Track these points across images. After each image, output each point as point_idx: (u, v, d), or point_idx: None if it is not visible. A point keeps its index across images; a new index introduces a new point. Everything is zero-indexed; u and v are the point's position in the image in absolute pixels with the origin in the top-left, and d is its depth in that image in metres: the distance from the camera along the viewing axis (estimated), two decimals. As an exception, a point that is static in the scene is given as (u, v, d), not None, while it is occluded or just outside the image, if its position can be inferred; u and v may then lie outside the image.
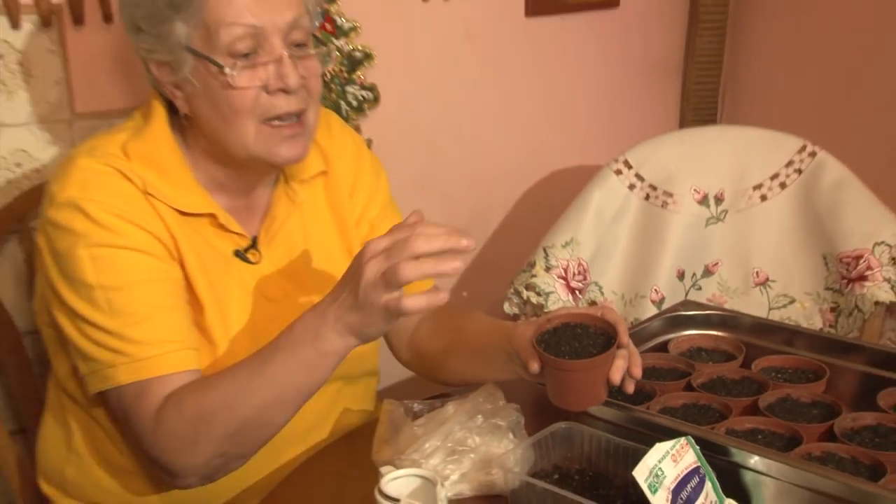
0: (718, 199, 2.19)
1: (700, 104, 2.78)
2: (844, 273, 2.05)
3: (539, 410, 1.32)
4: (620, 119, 2.69)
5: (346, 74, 2.11)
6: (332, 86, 2.08)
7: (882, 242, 2.02)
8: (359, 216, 1.56)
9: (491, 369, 1.41)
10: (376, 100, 2.16)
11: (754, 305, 2.12)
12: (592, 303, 2.14)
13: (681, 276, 2.17)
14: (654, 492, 1.05)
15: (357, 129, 2.09)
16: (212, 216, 1.39)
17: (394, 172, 1.67)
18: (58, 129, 1.78)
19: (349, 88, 2.12)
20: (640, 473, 1.05)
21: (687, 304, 1.74)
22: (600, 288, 2.15)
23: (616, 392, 1.29)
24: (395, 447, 1.28)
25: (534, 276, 2.09)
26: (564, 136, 2.60)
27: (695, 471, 1.10)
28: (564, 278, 2.10)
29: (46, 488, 1.54)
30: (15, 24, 1.70)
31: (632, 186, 2.18)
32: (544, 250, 2.12)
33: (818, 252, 2.11)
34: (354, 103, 2.12)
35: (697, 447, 1.12)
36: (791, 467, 1.16)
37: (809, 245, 2.12)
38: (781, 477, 1.16)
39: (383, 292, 1.16)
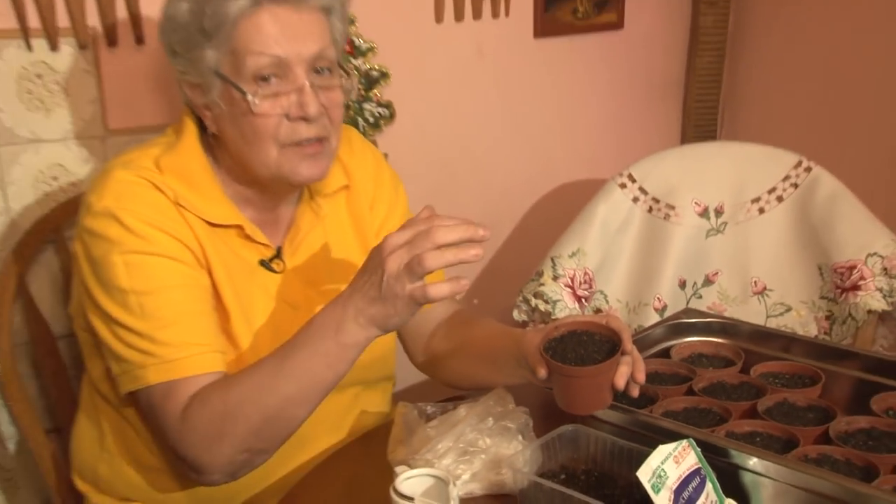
0: (718, 212, 2.18)
1: (700, 121, 2.78)
2: (838, 283, 2.05)
3: (547, 413, 1.31)
4: (625, 135, 2.69)
5: (363, 92, 2.11)
6: (351, 103, 2.09)
7: (874, 254, 2.02)
8: (378, 227, 1.56)
9: (501, 374, 1.41)
10: (392, 116, 2.16)
11: (753, 313, 2.11)
12: (598, 310, 2.14)
13: (682, 285, 2.16)
14: (657, 492, 1.04)
15: (374, 143, 2.09)
16: (239, 227, 1.40)
17: (408, 185, 1.67)
18: (92, 145, 1.79)
19: (366, 105, 2.12)
20: (644, 474, 1.05)
21: (688, 311, 1.74)
22: (605, 296, 2.15)
23: (621, 396, 1.28)
24: (409, 448, 1.28)
25: (542, 284, 2.09)
26: (571, 151, 2.60)
27: (696, 472, 1.10)
28: (571, 287, 2.10)
29: (80, 484, 1.55)
30: (53, 47, 1.71)
31: (636, 199, 2.18)
32: (552, 260, 2.12)
33: (813, 262, 2.10)
34: (371, 119, 2.13)
35: (699, 449, 1.12)
36: (788, 469, 1.16)
37: (805, 256, 2.12)
38: (779, 478, 1.16)
39: (407, 282, 1.16)
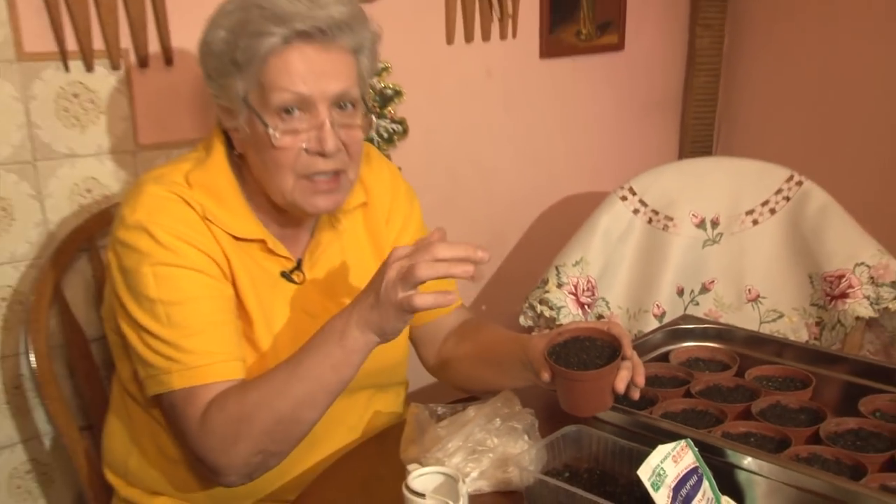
0: (714, 223, 2.18)
1: (697, 137, 2.78)
2: (828, 291, 2.04)
3: (551, 415, 1.31)
4: (625, 150, 2.69)
5: (378, 109, 2.11)
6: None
7: (862, 263, 2.01)
8: (394, 240, 1.55)
9: (508, 377, 1.41)
10: (405, 132, 2.17)
11: (747, 320, 2.11)
12: (600, 316, 2.13)
13: (680, 292, 2.16)
14: (657, 489, 1.04)
15: (388, 157, 2.09)
16: (262, 241, 1.40)
17: (421, 196, 1.67)
18: (123, 159, 1.80)
19: (381, 122, 2.13)
20: (644, 472, 1.05)
21: (686, 318, 1.74)
22: (607, 303, 2.15)
23: (622, 398, 1.28)
24: (420, 447, 1.28)
25: (547, 291, 2.09)
26: (574, 165, 2.60)
27: (693, 470, 1.09)
28: (575, 294, 2.09)
29: (111, 478, 1.55)
30: (89, 68, 1.72)
31: (636, 211, 2.18)
32: (556, 268, 2.12)
33: (804, 271, 2.10)
34: (385, 135, 2.13)
35: (696, 449, 1.11)
36: (781, 467, 1.15)
37: (796, 265, 2.11)
38: (772, 476, 1.15)
39: (400, 291, 1.17)
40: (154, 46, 1.78)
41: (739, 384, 1.46)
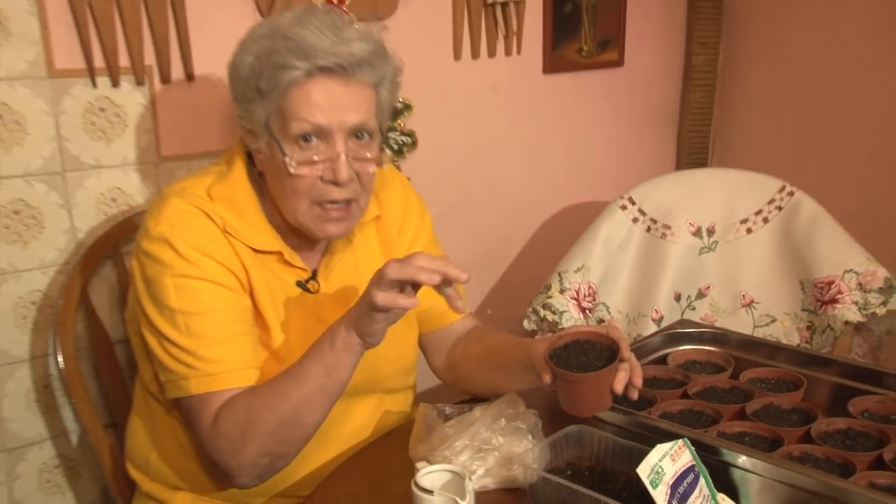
0: (710, 232, 2.17)
1: (693, 149, 2.78)
2: (818, 296, 2.04)
3: (554, 415, 1.31)
4: (625, 161, 2.68)
5: (388, 123, 2.11)
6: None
7: (851, 270, 2.01)
8: (405, 251, 1.55)
9: (512, 380, 1.41)
10: (414, 144, 2.16)
11: (741, 324, 2.10)
12: (601, 321, 2.13)
13: (677, 298, 2.15)
14: (655, 487, 1.04)
15: (398, 168, 2.09)
16: (279, 253, 1.40)
17: (429, 206, 1.67)
18: (146, 170, 1.80)
19: (391, 135, 2.12)
20: (643, 470, 1.04)
21: (683, 322, 1.73)
22: (607, 308, 2.14)
23: (621, 399, 1.28)
24: (428, 445, 1.28)
25: (550, 297, 2.08)
26: (576, 176, 2.59)
27: (690, 468, 1.09)
28: (576, 299, 2.09)
29: (133, 473, 1.55)
30: (115, 83, 1.72)
31: (635, 220, 2.17)
32: (559, 275, 2.12)
33: (796, 278, 2.09)
34: (395, 147, 2.13)
35: (693, 448, 1.11)
36: (774, 466, 1.15)
37: (788, 272, 2.10)
38: (765, 474, 1.15)
39: (375, 291, 1.17)
40: (176, 63, 1.79)
41: (734, 386, 1.46)
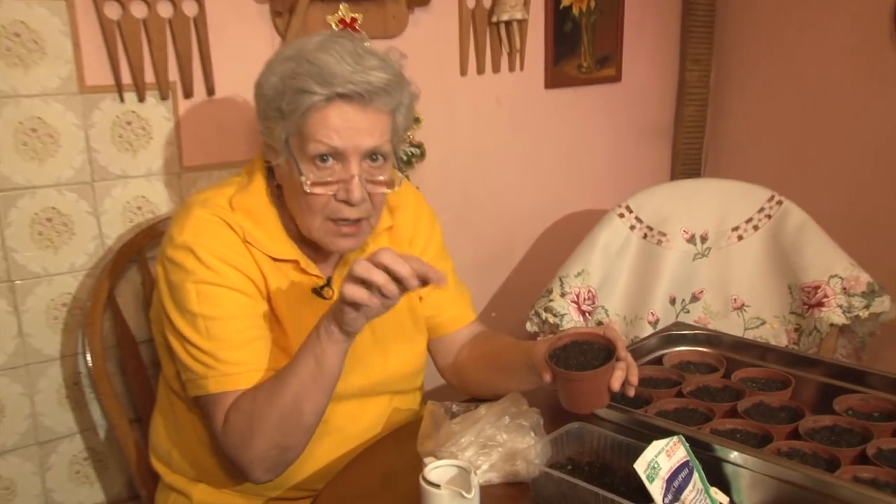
0: (703, 239, 2.17)
1: (687, 160, 2.77)
2: (805, 300, 2.03)
3: (555, 413, 1.30)
4: (622, 172, 2.68)
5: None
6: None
7: (836, 275, 2.00)
8: (416, 260, 1.55)
9: (515, 382, 1.40)
10: (423, 155, 2.16)
11: (733, 326, 2.09)
12: (599, 323, 2.12)
13: (672, 301, 2.15)
14: (652, 481, 1.04)
15: (407, 178, 2.09)
16: (296, 262, 1.40)
17: (436, 214, 1.67)
18: (170, 180, 1.81)
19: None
20: (640, 466, 1.04)
21: (678, 325, 1.73)
22: (606, 311, 2.14)
23: (619, 397, 1.28)
24: (436, 441, 1.28)
25: (551, 300, 2.08)
26: (576, 185, 2.59)
27: (685, 464, 1.09)
28: (577, 303, 2.09)
29: (157, 465, 1.56)
30: (141, 98, 1.73)
31: (632, 227, 2.17)
32: (560, 279, 2.11)
33: (784, 282, 2.09)
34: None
35: (687, 444, 1.11)
36: (763, 461, 1.15)
37: (777, 277, 2.10)
38: (756, 469, 1.15)
39: (343, 285, 1.17)
40: (198, 79, 1.79)
41: (726, 385, 1.46)
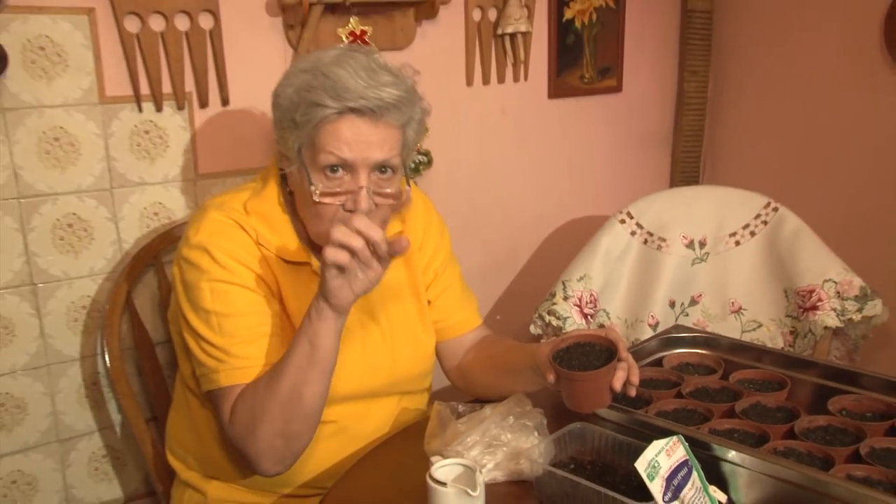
0: (702, 244, 2.17)
1: (686, 168, 2.77)
2: (800, 304, 2.02)
3: (558, 413, 1.30)
4: (623, 179, 2.68)
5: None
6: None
7: (830, 280, 2.00)
8: (425, 265, 1.55)
9: (520, 383, 1.40)
10: (430, 163, 2.17)
11: (730, 329, 2.09)
12: (601, 326, 2.12)
13: (672, 305, 2.14)
14: (652, 480, 1.03)
15: (415, 184, 2.10)
16: (307, 264, 1.40)
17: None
18: (185, 187, 1.81)
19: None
20: (641, 465, 1.04)
21: (677, 327, 1.73)
22: (608, 314, 2.14)
23: (620, 397, 1.28)
24: (442, 440, 1.27)
25: (554, 304, 2.08)
26: (579, 193, 2.59)
27: (684, 463, 1.09)
28: (579, 306, 2.08)
29: (173, 462, 1.56)
30: (158, 108, 1.74)
31: (633, 233, 2.17)
32: (563, 283, 2.11)
33: (780, 287, 2.08)
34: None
35: (686, 444, 1.11)
36: (760, 460, 1.15)
37: (773, 281, 2.09)
38: (753, 468, 1.15)
39: (324, 249, 1.17)
40: (213, 90, 1.80)
41: (724, 386, 1.45)
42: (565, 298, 2.08)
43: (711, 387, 1.45)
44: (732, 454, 1.17)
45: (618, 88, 2.57)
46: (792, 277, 2.05)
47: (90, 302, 1.74)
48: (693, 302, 2.15)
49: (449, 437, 1.27)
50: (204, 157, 1.82)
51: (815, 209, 2.30)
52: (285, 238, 1.38)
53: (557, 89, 2.42)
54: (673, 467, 1.06)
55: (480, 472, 1.12)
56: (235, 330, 1.30)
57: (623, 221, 2.17)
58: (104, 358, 1.69)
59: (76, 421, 1.78)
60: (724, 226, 2.16)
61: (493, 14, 2.21)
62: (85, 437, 1.80)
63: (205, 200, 1.49)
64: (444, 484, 1.09)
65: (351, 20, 1.92)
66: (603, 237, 2.15)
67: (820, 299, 1.99)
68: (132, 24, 1.67)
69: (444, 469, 1.13)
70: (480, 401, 1.42)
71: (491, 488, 1.20)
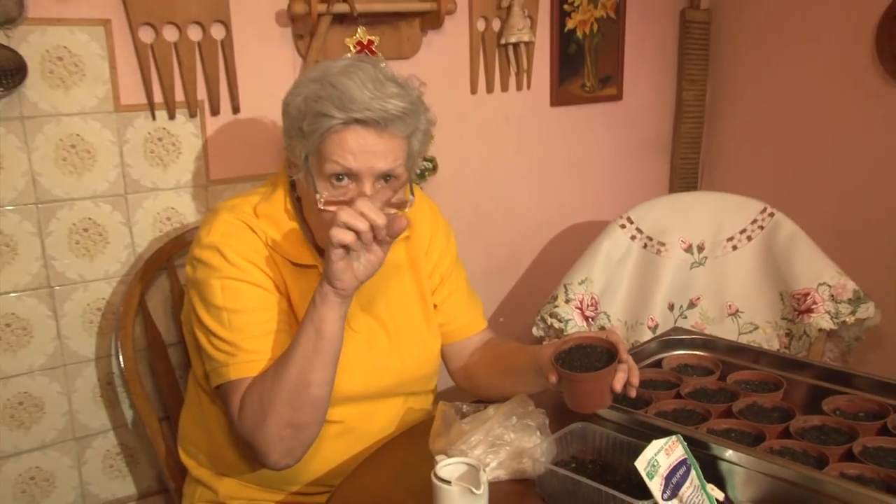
0: (700, 248, 2.17)
1: (685, 174, 2.76)
2: (795, 306, 2.02)
3: (560, 414, 1.30)
4: (624, 185, 2.68)
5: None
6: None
7: (824, 283, 2.00)
8: (431, 270, 1.55)
9: (523, 384, 1.40)
10: (435, 169, 2.17)
11: (727, 331, 2.09)
12: (602, 328, 2.12)
13: (671, 307, 2.14)
14: (651, 478, 1.04)
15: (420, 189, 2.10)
16: (315, 267, 1.40)
17: (449, 225, 1.67)
18: (197, 192, 1.82)
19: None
20: (640, 464, 1.04)
21: (676, 330, 1.72)
22: (608, 316, 2.14)
23: (621, 398, 1.28)
24: (447, 440, 1.27)
25: (556, 306, 2.08)
26: (580, 198, 2.59)
27: (683, 462, 1.09)
28: (580, 309, 2.08)
29: (185, 459, 1.56)
30: (171, 116, 1.74)
31: (633, 237, 2.17)
32: (564, 286, 2.11)
33: (776, 290, 2.08)
34: (418, 171, 2.13)
35: (685, 443, 1.11)
36: (757, 459, 1.15)
37: (769, 284, 2.09)
38: (750, 466, 1.15)
39: (333, 228, 1.18)
40: (224, 98, 1.80)
41: (722, 387, 1.45)
42: (567, 301, 2.08)
43: (709, 388, 1.45)
44: (730, 453, 1.17)
45: (618, 97, 2.57)
46: (787, 281, 2.05)
47: (105, 304, 1.75)
48: (691, 305, 2.15)
49: (453, 436, 1.27)
50: (215, 163, 1.83)
51: (809, 214, 2.30)
52: (293, 241, 1.39)
53: (559, 97, 2.42)
54: (672, 466, 1.07)
55: (484, 470, 1.12)
56: (245, 326, 1.31)
57: (623, 226, 2.17)
58: (118, 358, 1.69)
59: (91, 420, 1.79)
60: (721, 230, 2.16)
61: (496, 24, 2.21)
62: (100, 436, 1.80)
63: (216, 204, 1.49)
64: (448, 482, 1.09)
65: (358, 30, 1.92)
66: (604, 241, 2.16)
67: (815, 302, 1.99)
68: (146, 35, 1.68)
69: (448, 468, 1.13)
70: (484, 401, 1.42)
71: (494, 486, 1.20)
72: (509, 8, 2.16)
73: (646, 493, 1.03)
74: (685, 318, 2.14)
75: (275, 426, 1.25)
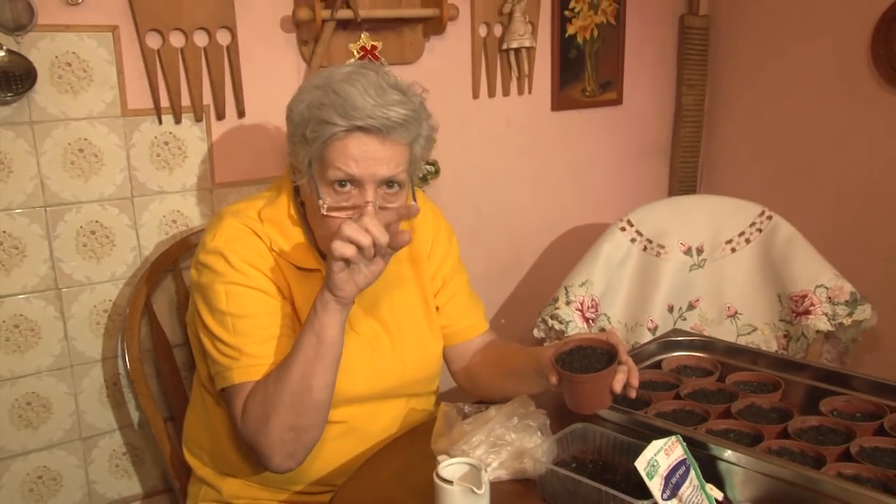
0: (699, 251, 2.16)
1: (684, 178, 2.76)
2: (793, 308, 2.02)
3: (561, 414, 1.30)
4: (623, 188, 2.68)
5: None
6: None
7: (821, 285, 2.00)
8: (434, 272, 1.54)
9: (524, 385, 1.40)
10: (437, 172, 2.17)
11: (726, 333, 2.08)
12: (602, 330, 2.12)
13: (670, 309, 2.14)
14: (651, 478, 1.03)
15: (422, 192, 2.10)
16: (318, 271, 1.40)
17: (451, 228, 1.67)
18: (202, 195, 1.82)
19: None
20: (640, 464, 1.04)
21: (675, 331, 1.72)
22: (608, 318, 2.13)
23: (620, 399, 1.27)
24: (449, 440, 1.27)
25: (557, 308, 2.08)
26: (581, 201, 2.59)
27: (682, 462, 1.08)
28: (581, 310, 2.08)
29: (190, 459, 1.56)
30: (177, 121, 1.75)
31: (633, 240, 2.17)
32: (565, 288, 2.11)
33: (774, 292, 2.08)
34: (420, 175, 2.12)
35: (684, 443, 1.10)
36: (755, 459, 1.15)
37: (767, 286, 2.09)
38: (748, 466, 1.15)
39: (332, 242, 1.18)
40: (230, 103, 1.81)
41: (721, 388, 1.45)
42: (568, 303, 2.08)
43: (708, 388, 1.45)
44: (728, 453, 1.16)
45: (618, 101, 2.57)
46: (785, 283, 2.05)
47: (111, 306, 1.75)
48: (691, 307, 2.15)
49: (455, 436, 1.27)
50: (220, 167, 1.83)
51: (807, 217, 2.30)
52: (297, 246, 1.39)
53: (560, 102, 2.42)
54: (671, 466, 1.06)
55: (485, 470, 1.12)
56: (249, 330, 1.31)
57: (623, 229, 2.17)
58: (124, 359, 1.69)
59: (98, 420, 1.79)
60: (720, 233, 2.16)
61: (498, 30, 2.21)
62: (106, 436, 1.80)
63: (221, 208, 1.49)
64: (450, 482, 1.09)
65: (362, 36, 1.92)
66: (604, 244, 2.15)
67: (812, 304, 1.99)
68: (153, 41, 1.68)
69: (450, 468, 1.13)
70: (486, 402, 1.42)
71: (496, 486, 1.20)
72: (511, 14, 2.17)
73: (646, 493, 1.03)
74: (684, 319, 2.14)
75: (277, 430, 1.25)
